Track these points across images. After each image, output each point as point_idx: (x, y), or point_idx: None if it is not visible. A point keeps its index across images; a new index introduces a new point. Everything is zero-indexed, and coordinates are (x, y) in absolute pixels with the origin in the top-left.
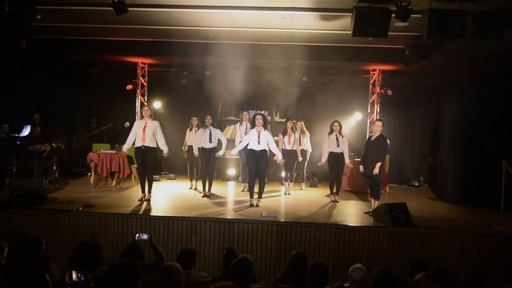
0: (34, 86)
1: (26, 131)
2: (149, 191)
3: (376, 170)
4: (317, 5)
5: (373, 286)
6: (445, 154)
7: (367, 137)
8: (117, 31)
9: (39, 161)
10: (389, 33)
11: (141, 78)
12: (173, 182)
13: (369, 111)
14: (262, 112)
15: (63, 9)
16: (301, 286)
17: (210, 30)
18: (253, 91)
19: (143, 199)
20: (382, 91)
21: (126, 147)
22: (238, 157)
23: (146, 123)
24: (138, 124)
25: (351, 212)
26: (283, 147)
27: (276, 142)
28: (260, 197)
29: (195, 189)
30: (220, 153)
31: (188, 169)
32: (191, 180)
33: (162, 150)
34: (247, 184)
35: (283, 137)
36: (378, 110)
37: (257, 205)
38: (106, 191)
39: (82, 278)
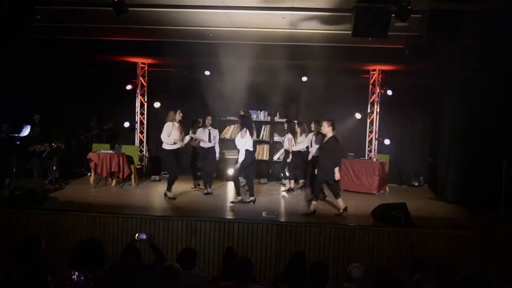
0: (34, 86)
1: (26, 131)
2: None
3: (337, 176)
4: (317, 5)
5: (372, 286)
6: (445, 154)
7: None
8: (117, 31)
9: (39, 161)
10: (389, 33)
11: (141, 78)
12: None
13: (369, 111)
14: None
15: (63, 9)
16: (301, 286)
17: (210, 30)
18: (253, 91)
19: (171, 198)
20: (382, 91)
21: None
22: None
23: (180, 126)
24: (174, 126)
25: (351, 212)
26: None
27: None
28: (251, 194)
29: (197, 188)
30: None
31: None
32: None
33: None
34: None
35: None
36: (378, 110)
37: (250, 202)
38: (106, 191)
39: (82, 278)
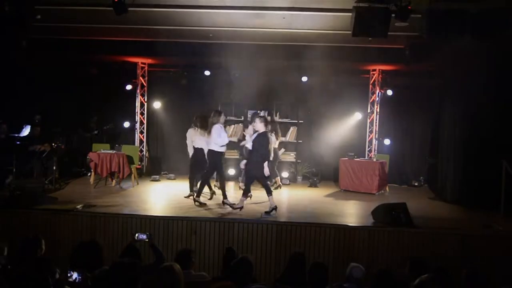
0: (34, 86)
1: (26, 131)
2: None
3: (266, 171)
4: (317, 5)
5: (372, 286)
6: (445, 154)
7: None
8: (117, 31)
9: (39, 161)
10: (389, 33)
11: (141, 78)
12: (173, 182)
13: (369, 111)
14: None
15: (63, 9)
16: (301, 286)
17: (210, 30)
18: (253, 91)
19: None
20: (382, 91)
21: None
22: (238, 157)
23: None
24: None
25: (351, 212)
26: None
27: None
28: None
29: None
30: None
31: None
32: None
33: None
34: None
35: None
36: (378, 110)
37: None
38: (106, 191)
39: (80, 278)
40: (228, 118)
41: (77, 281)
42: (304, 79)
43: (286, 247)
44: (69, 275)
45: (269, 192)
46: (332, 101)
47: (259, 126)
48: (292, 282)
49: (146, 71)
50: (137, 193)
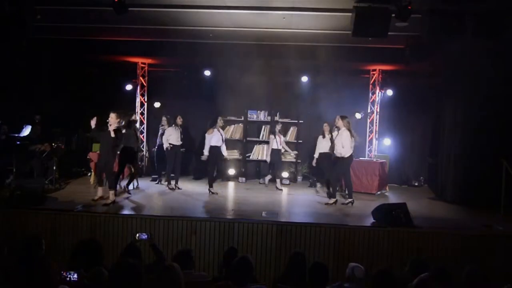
0: (34, 86)
1: (26, 131)
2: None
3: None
4: (317, 5)
5: (372, 286)
6: (445, 154)
7: None
8: (117, 31)
9: (39, 161)
10: (389, 33)
11: (141, 78)
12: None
13: (369, 111)
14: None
15: (63, 9)
16: (301, 286)
17: (210, 30)
18: (253, 91)
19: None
20: (382, 91)
21: None
22: (238, 157)
23: None
24: None
25: (351, 212)
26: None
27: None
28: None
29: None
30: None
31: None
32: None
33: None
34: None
35: (274, 137)
36: (378, 110)
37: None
38: (106, 191)
39: (76, 277)
40: (228, 118)
41: (73, 280)
42: (304, 79)
43: (286, 247)
44: (65, 274)
45: (111, 187)
46: (332, 101)
47: (112, 122)
48: (292, 282)
49: (146, 71)
50: (137, 193)
